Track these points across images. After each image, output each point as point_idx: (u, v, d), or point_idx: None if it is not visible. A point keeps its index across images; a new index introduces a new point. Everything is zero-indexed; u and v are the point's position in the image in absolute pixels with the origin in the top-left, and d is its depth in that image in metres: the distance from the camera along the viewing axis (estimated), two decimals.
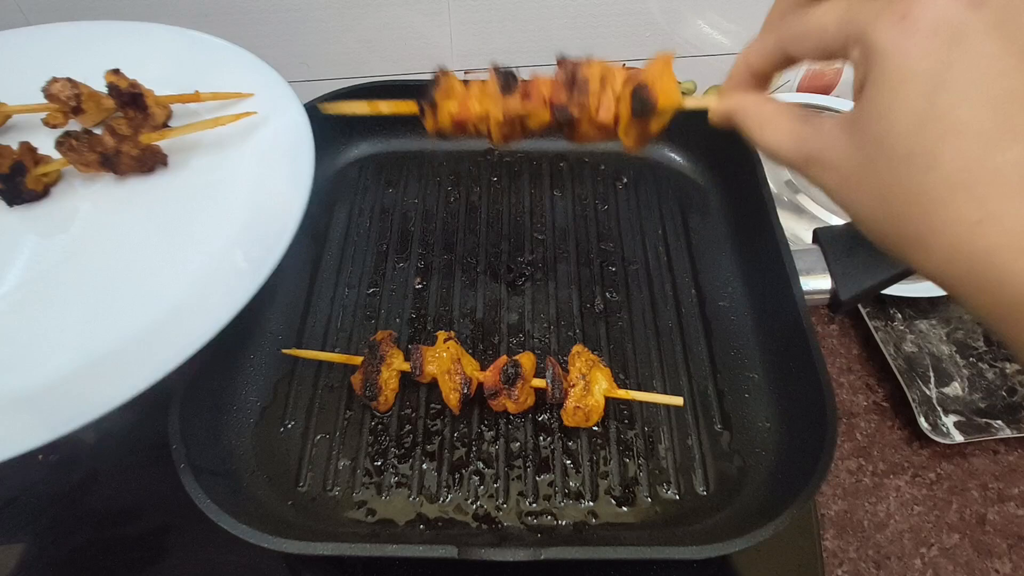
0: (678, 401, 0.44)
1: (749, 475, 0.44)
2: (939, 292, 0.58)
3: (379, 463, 0.44)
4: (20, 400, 0.37)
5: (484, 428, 0.46)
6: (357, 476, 0.44)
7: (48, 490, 0.47)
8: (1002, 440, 0.54)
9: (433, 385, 0.45)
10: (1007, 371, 0.56)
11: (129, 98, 0.46)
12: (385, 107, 0.40)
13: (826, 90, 0.77)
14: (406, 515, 0.42)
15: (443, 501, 0.43)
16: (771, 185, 0.52)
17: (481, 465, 0.44)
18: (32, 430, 0.34)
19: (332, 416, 0.47)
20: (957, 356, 0.57)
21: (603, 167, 0.62)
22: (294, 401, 0.47)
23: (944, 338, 0.59)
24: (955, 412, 0.54)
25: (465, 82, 0.39)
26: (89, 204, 0.46)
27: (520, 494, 0.43)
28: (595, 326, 0.51)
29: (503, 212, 0.59)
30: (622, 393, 0.44)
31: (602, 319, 0.52)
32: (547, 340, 0.51)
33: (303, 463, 0.44)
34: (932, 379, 0.56)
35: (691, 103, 0.35)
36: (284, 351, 0.48)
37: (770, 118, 0.28)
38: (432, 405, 0.47)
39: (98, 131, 0.45)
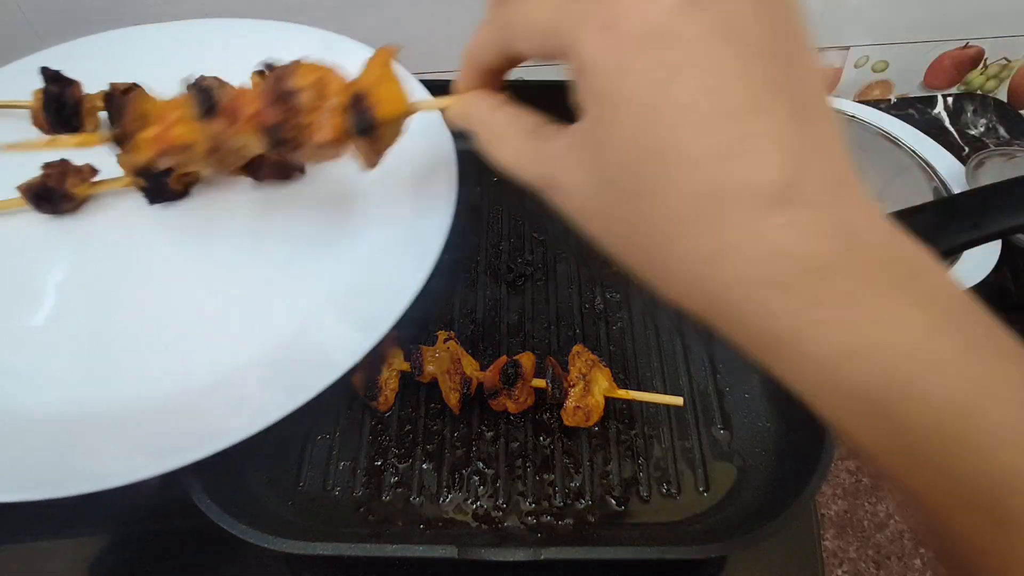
0: (678, 401, 0.44)
1: (749, 475, 0.44)
2: None
3: (379, 463, 0.44)
4: (132, 418, 0.35)
5: (484, 428, 0.46)
6: (357, 476, 0.44)
7: None
8: None
9: (433, 385, 0.45)
10: None
11: None
12: (68, 141, 0.34)
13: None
14: (406, 515, 0.42)
15: (443, 501, 0.43)
16: None
17: (481, 465, 0.44)
18: (146, 454, 0.32)
19: (332, 416, 0.46)
20: None
21: None
22: None
23: None
24: None
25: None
26: (227, 208, 0.45)
27: (520, 494, 0.43)
28: (595, 326, 0.51)
29: (503, 212, 0.59)
30: (622, 393, 0.44)
31: (602, 319, 0.52)
32: (547, 340, 0.51)
33: (303, 463, 0.44)
34: None
35: (423, 106, 0.30)
36: None
37: (503, 131, 0.24)
38: (432, 405, 0.47)
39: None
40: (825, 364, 0.18)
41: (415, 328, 0.41)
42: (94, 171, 0.43)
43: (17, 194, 0.42)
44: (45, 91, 0.44)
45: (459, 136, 0.46)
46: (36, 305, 0.40)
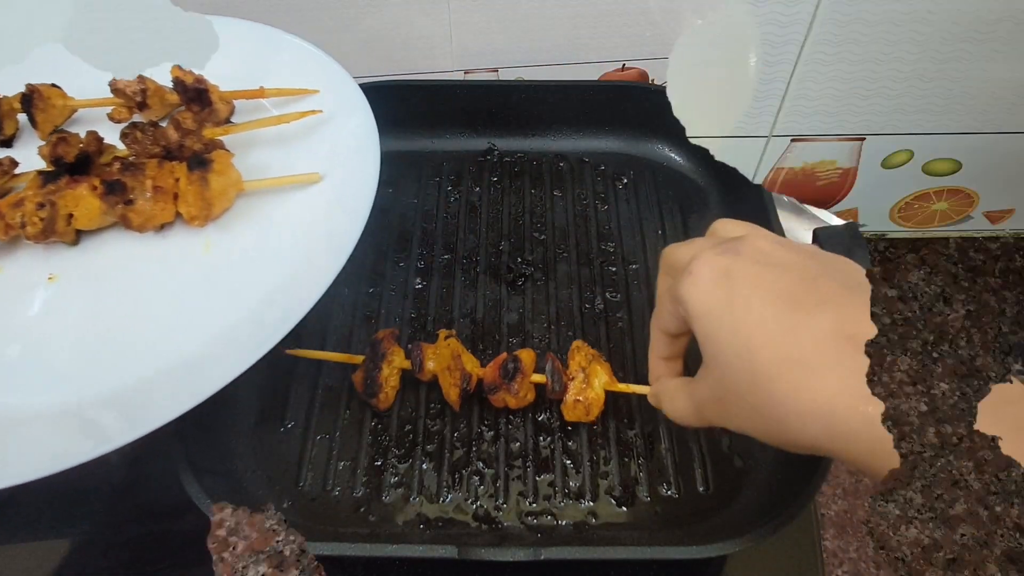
0: None
1: (749, 475, 0.44)
2: None
3: (379, 463, 0.44)
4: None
5: (484, 428, 0.46)
6: (357, 476, 0.44)
7: (45, 491, 0.47)
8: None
9: (433, 384, 0.45)
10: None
11: (194, 94, 0.45)
12: None
13: None
14: (406, 515, 0.42)
15: (443, 501, 0.43)
16: None
17: (481, 465, 0.44)
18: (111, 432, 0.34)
19: (332, 416, 0.46)
20: None
21: (603, 167, 0.62)
22: (294, 401, 0.47)
23: None
24: None
25: None
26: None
27: (520, 494, 0.43)
28: (595, 326, 0.51)
29: (503, 212, 0.59)
30: (622, 386, 0.44)
31: (602, 319, 0.52)
32: (547, 340, 0.51)
33: (303, 463, 0.44)
34: None
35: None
36: (287, 351, 0.47)
37: (675, 390, 0.35)
38: (432, 405, 0.47)
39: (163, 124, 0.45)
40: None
41: (412, 327, 0.42)
42: (15, 163, 0.45)
43: None
44: None
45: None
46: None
